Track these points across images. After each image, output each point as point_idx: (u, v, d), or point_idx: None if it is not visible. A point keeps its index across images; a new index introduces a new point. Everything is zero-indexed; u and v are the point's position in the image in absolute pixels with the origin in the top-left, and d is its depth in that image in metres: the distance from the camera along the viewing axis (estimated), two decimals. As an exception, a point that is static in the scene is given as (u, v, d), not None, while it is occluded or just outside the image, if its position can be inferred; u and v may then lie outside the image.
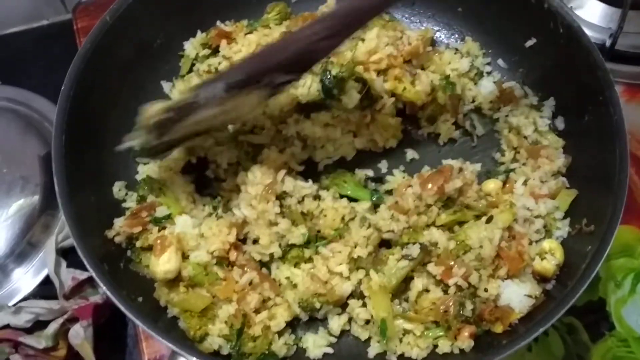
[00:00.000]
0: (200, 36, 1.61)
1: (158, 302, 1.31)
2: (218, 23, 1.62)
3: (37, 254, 1.59)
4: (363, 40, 1.52)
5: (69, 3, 1.98)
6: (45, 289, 1.55)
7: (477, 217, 1.36)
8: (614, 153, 1.30)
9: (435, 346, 1.28)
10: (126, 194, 1.43)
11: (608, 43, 1.70)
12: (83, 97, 1.35)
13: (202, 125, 1.31)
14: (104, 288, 1.14)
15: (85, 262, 1.15)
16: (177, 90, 1.57)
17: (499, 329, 1.27)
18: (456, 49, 1.63)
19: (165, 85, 1.57)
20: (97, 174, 1.39)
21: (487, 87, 1.56)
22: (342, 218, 1.36)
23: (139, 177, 1.45)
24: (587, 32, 1.70)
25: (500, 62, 1.62)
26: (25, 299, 1.54)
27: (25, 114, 1.76)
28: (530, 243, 1.36)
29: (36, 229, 1.60)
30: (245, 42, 1.57)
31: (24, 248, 1.58)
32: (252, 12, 1.66)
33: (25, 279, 1.58)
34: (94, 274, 1.14)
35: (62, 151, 1.27)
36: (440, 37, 1.67)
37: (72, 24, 1.86)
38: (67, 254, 1.57)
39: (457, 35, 1.67)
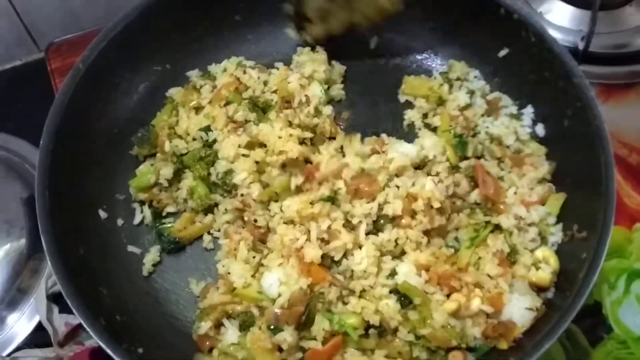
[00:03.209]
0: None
1: (162, 350, 1.30)
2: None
3: (28, 300, 1.57)
4: None
5: (40, 42, 1.96)
6: (39, 336, 1.52)
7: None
8: (598, 159, 1.30)
9: None
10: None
11: (581, 46, 1.72)
12: (63, 150, 1.33)
13: None
14: (103, 345, 1.13)
15: (81, 321, 1.14)
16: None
17: (503, 345, 1.27)
18: (447, 77, 1.62)
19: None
20: (84, 225, 1.38)
21: (478, 104, 1.57)
22: None
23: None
24: (558, 35, 1.74)
25: (476, 73, 1.62)
26: (19, 347, 1.52)
27: (5, 158, 1.74)
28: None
29: (25, 275, 1.57)
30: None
31: (14, 295, 1.56)
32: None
33: (19, 325, 1.55)
34: (91, 332, 1.13)
35: (46, 208, 1.26)
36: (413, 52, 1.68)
37: (46, 64, 1.84)
38: (58, 299, 1.53)
39: (430, 51, 1.67)
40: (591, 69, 1.75)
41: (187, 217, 1.46)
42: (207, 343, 1.33)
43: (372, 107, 1.64)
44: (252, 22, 1.68)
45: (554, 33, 1.67)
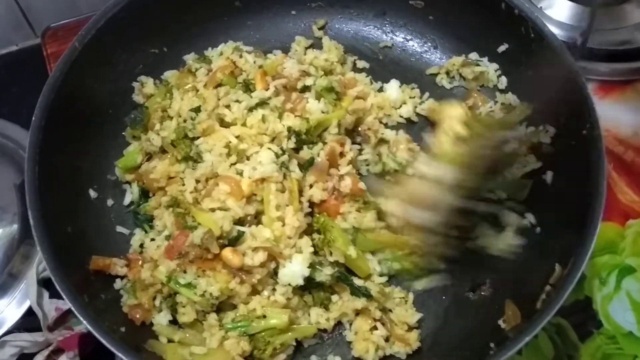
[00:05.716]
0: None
1: (142, 331, 1.29)
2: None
3: (19, 285, 1.56)
4: None
5: (37, 28, 1.96)
6: (29, 321, 1.51)
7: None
8: (590, 159, 1.28)
9: None
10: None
11: (579, 42, 1.70)
12: (55, 127, 1.33)
13: None
14: (84, 322, 1.13)
15: (64, 295, 1.14)
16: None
17: None
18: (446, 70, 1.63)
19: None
20: (73, 204, 1.37)
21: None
22: None
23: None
24: (559, 31, 1.74)
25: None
26: (9, 332, 1.51)
27: (-1, 143, 1.73)
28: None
29: (16, 260, 1.56)
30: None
31: (5, 280, 1.55)
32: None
33: (8, 310, 1.54)
34: (72, 307, 1.12)
35: (35, 183, 1.25)
36: (413, 45, 1.68)
37: (42, 49, 1.83)
38: (49, 285, 1.53)
39: (429, 44, 1.67)
40: (590, 66, 1.75)
41: (160, 194, 1.44)
42: (138, 316, 1.29)
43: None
44: (253, 8, 1.68)
45: (554, 29, 1.66)
